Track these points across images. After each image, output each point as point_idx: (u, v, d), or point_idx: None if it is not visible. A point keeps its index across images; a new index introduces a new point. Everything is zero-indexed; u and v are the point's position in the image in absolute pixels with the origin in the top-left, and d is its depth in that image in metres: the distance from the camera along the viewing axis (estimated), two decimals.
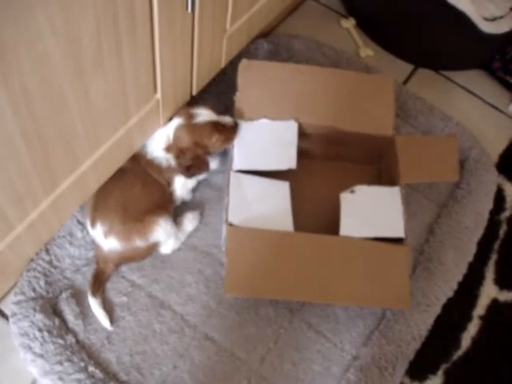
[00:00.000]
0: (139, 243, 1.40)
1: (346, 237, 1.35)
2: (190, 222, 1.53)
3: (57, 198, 1.20)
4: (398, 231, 1.39)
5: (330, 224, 1.42)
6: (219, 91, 1.71)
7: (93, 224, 1.41)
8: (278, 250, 1.34)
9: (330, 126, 1.50)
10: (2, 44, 0.82)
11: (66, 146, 1.12)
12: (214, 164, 1.55)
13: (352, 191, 1.43)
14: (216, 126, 1.40)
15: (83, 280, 1.45)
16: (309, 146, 1.56)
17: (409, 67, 1.95)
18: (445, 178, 1.51)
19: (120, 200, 1.40)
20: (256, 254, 1.33)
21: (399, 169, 1.45)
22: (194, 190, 1.58)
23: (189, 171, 1.44)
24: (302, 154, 1.47)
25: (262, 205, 1.40)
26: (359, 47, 1.97)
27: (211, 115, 1.42)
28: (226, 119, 1.43)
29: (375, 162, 1.62)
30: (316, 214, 1.50)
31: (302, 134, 1.50)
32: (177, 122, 1.41)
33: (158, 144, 1.43)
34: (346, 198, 1.42)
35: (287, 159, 1.44)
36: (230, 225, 1.34)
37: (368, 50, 1.96)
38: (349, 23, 2.00)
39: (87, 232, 1.46)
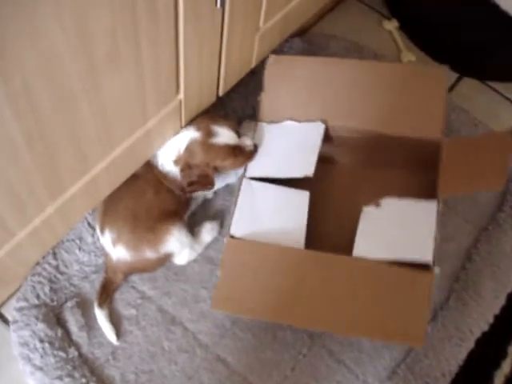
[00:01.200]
0: (150, 254, 1.30)
1: (359, 258, 1.19)
2: (208, 232, 1.42)
3: (64, 203, 1.10)
4: (425, 254, 1.18)
5: (351, 243, 1.25)
6: (248, 92, 1.60)
7: (102, 230, 1.32)
8: (279, 267, 1.21)
9: (366, 128, 1.34)
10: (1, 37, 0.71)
11: (75, 148, 1.02)
12: (218, 183, 1.43)
13: (377, 205, 1.26)
14: (233, 151, 1.30)
15: (91, 288, 1.36)
16: (338, 150, 1.42)
17: (453, 76, 1.80)
18: (489, 186, 1.27)
19: (130, 207, 1.30)
20: (254, 269, 1.22)
21: (440, 179, 1.25)
22: (214, 198, 1.48)
23: (189, 186, 1.32)
24: (329, 159, 1.34)
25: (273, 217, 1.27)
26: (401, 51, 1.83)
27: (231, 138, 1.30)
28: (246, 142, 1.33)
29: (415, 170, 1.40)
30: (337, 230, 1.34)
31: (331, 138, 1.36)
32: (192, 135, 1.29)
33: (168, 156, 1.32)
34: (368, 213, 1.26)
35: (305, 165, 1.29)
36: (232, 237, 1.23)
37: (410, 55, 1.82)
38: (391, 25, 1.86)
39: (98, 237, 1.36)
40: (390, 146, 1.35)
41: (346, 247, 1.24)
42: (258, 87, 1.56)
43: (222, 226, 1.45)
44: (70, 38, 0.82)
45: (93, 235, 1.39)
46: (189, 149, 1.28)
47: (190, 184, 1.31)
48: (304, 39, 1.75)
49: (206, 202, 1.48)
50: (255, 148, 1.33)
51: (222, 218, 1.46)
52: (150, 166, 1.33)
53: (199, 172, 1.29)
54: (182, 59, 1.11)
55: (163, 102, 1.18)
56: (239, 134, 1.31)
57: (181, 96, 1.21)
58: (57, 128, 0.93)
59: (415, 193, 1.29)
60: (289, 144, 1.32)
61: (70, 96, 0.91)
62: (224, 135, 1.29)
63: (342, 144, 1.40)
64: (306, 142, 1.31)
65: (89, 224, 1.39)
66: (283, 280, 1.21)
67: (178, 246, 1.33)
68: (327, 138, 1.34)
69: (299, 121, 1.34)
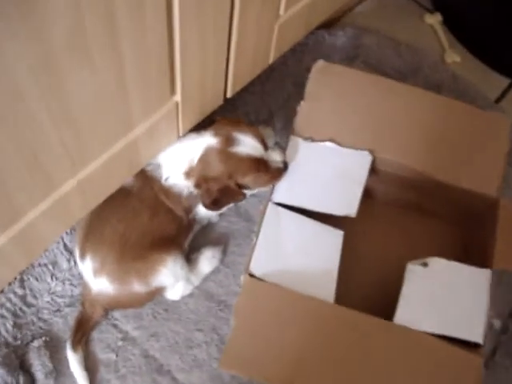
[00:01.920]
0: (137, 287, 1.09)
1: (401, 326, 1.01)
2: (207, 261, 1.20)
3: (22, 231, 0.87)
4: (476, 333, 1.01)
5: (387, 299, 1.08)
6: (264, 92, 1.38)
7: (82, 256, 1.10)
8: (304, 323, 1.01)
9: (417, 168, 1.14)
10: None
11: (31, 167, 0.79)
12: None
13: (424, 264, 1.07)
14: (257, 165, 1.06)
15: (63, 325, 1.15)
16: (380, 186, 1.23)
17: (504, 81, 1.55)
18: None
19: (119, 230, 1.08)
20: (274, 321, 1.01)
21: (496, 248, 1.08)
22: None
23: (215, 204, 1.09)
24: (368, 194, 1.14)
25: (300, 256, 1.06)
26: (445, 50, 1.59)
27: (256, 149, 1.07)
28: (275, 157, 1.09)
29: (463, 225, 1.26)
30: (369, 281, 1.19)
31: (376, 170, 1.17)
32: (209, 142, 1.06)
33: (178, 167, 1.09)
34: (413, 273, 1.06)
35: (347, 203, 1.10)
36: (251, 275, 1.02)
37: (455, 56, 1.58)
38: (434, 19, 1.64)
39: (75, 262, 1.13)
40: (438, 193, 1.19)
41: (378, 303, 1.08)
42: (277, 87, 1.36)
43: (224, 253, 1.22)
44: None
45: (69, 260, 1.17)
46: (204, 158, 1.06)
47: (215, 202, 1.08)
48: (332, 32, 1.51)
49: (207, 225, 1.24)
50: (285, 166, 1.10)
51: (225, 243, 1.24)
52: (147, 180, 1.11)
53: (219, 186, 1.06)
54: (178, 53, 0.89)
55: (154, 106, 0.95)
56: (266, 147, 1.09)
57: (177, 97, 0.98)
58: (3, 143, 0.70)
59: (460, 251, 1.22)
60: (328, 170, 1.12)
61: (16, 98, 0.67)
62: (247, 145, 1.05)
63: (387, 181, 1.21)
64: (349, 173, 1.12)
65: (65, 246, 1.17)
66: (307, 339, 1.00)
67: (172, 278, 1.11)
68: (371, 169, 1.14)
69: (342, 145, 1.14)
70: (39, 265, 1.16)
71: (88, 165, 0.90)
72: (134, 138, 0.95)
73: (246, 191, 1.11)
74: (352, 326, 1.01)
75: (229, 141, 1.05)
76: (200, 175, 1.07)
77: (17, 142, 0.73)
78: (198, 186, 1.07)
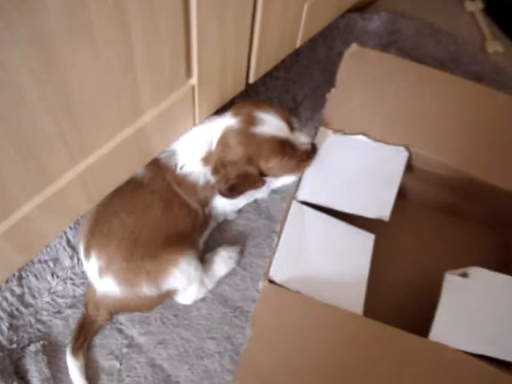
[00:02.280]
0: (147, 290, 0.99)
1: (437, 344, 0.90)
2: (223, 262, 1.10)
3: (16, 225, 0.78)
4: None
5: (420, 311, 0.97)
6: (289, 78, 1.28)
7: (86, 254, 1.00)
8: (330, 337, 0.91)
9: (456, 167, 1.03)
10: None
11: (25, 153, 0.69)
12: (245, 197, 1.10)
13: (464, 274, 0.96)
14: (283, 147, 0.96)
15: (64, 328, 1.05)
16: (415, 185, 1.12)
17: None
18: None
19: (128, 225, 0.98)
20: (296, 334, 0.91)
21: None
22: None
23: (232, 191, 0.99)
24: (400, 193, 1.03)
25: (327, 261, 0.96)
26: (486, 39, 1.47)
27: (281, 129, 0.96)
28: (301, 139, 0.99)
29: (505, 231, 1.14)
30: (400, 290, 1.09)
31: (411, 167, 1.06)
32: (229, 122, 0.96)
33: (194, 153, 0.99)
34: (452, 283, 0.95)
35: (380, 204, 0.99)
36: (270, 281, 0.92)
37: (497, 45, 1.47)
38: (475, 6, 1.53)
39: (79, 260, 1.03)
40: (478, 195, 1.08)
41: (410, 315, 1.01)
42: (302, 74, 1.25)
43: (241, 254, 1.12)
44: None
45: (72, 257, 1.07)
46: (223, 140, 0.96)
47: (233, 188, 0.99)
48: (366, 17, 1.40)
49: (224, 222, 1.13)
50: (313, 149, 0.99)
51: (243, 243, 1.13)
52: (160, 169, 1.01)
53: (238, 171, 0.97)
54: (195, 33, 0.79)
55: (166, 89, 0.84)
56: (292, 127, 0.99)
57: (193, 80, 0.88)
58: None
59: (501, 259, 1.12)
60: (359, 167, 1.02)
61: (4, 81, 0.57)
62: (271, 124, 0.95)
63: (422, 179, 1.11)
64: (382, 170, 1.02)
65: (68, 242, 1.07)
66: (331, 355, 0.90)
67: (185, 281, 1.02)
68: (406, 166, 1.04)
69: (375, 138, 1.03)
70: (39, 261, 1.06)
71: (89, 155, 0.81)
72: (143, 124, 0.85)
73: (268, 179, 1.01)
74: (382, 343, 0.91)
75: (250, 120, 0.95)
76: (218, 159, 0.96)
77: (8, 129, 0.63)
78: (215, 171, 0.97)
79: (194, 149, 0.98)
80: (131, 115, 0.82)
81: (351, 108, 1.06)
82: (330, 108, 1.06)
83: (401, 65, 1.10)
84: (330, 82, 1.07)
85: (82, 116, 0.73)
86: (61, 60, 0.62)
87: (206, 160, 0.98)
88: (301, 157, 0.98)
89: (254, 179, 0.99)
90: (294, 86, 1.27)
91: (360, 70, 1.09)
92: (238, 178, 0.97)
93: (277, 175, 1.02)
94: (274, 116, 0.95)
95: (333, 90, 1.06)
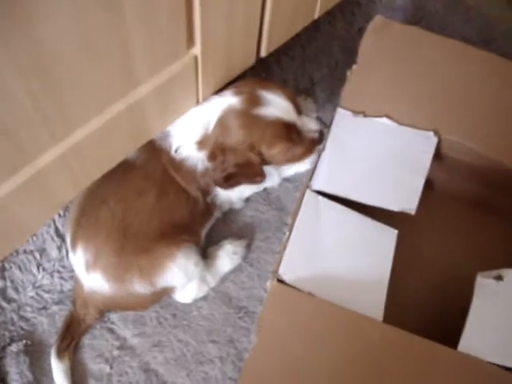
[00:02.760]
0: (140, 288, 0.89)
1: (467, 356, 0.80)
2: (227, 257, 0.99)
3: None
4: None
5: (447, 316, 0.92)
6: (305, 57, 1.17)
7: (72, 246, 0.91)
8: (345, 345, 0.82)
9: (487, 154, 0.93)
10: None
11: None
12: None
13: (498, 277, 0.86)
14: (289, 133, 0.88)
15: (49, 326, 0.96)
16: (443, 175, 1.02)
17: None
18: None
19: (118, 214, 0.88)
20: (307, 340, 0.82)
21: None
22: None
23: (227, 182, 0.90)
24: (427, 184, 0.93)
25: (343, 258, 0.87)
26: None
27: (287, 111, 0.88)
28: (309, 125, 0.91)
29: None
30: (425, 292, 1.00)
31: (440, 155, 0.96)
32: (229, 101, 0.87)
33: (189, 135, 0.89)
34: (484, 287, 0.85)
35: (405, 196, 0.89)
36: (279, 281, 0.83)
37: None
38: None
39: (68, 251, 0.93)
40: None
41: (436, 321, 0.95)
42: (322, 51, 1.15)
43: (248, 248, 1.02)
44: None
45: (60, 248, 0.98)
46: (222, 122, 0.87)
47: (228, 178, 0.89)
48: None
49: (229, 212, 1.02)
50: (321, 135, 0.92)
51: (250, 236, 1.03)
52: (154, 150, 0.91)
53: (237, 159, 0.88)
54: None
55: (164, 58, 0.74)
56: (300, 110, 0.92)
57: (196, 50, 0.77)
58: None
59: None
60: (382, 154, 0.92)
61: None
62: (277, 106, 0.87)
63: (451, 169, 1.00)
64: (408, 158, 0.92)
65: (57, 231, 0.98)
66: (345, 365, 0.81)
67: (183, 278, 0.92)
68: (435, 154, 0.94)
69: (401, 122, 0.93)
70: (24, 251, 0.96)
71: (73, 132, 0.71)
72: (137, 99, 0.75)
73: (270, 168, 0.94)
74: (404, 353, 0.81)
75: (253, 100, 0.86)
76: (216, 144, 0.87)
77: None
78: (212, 157, 0.88)
79: (189, 130, 0.88)
80: (122, 87, 0.71)
81: (374, 87, 0.96)
82: (350, 87, 0.96)
83: (431, 39, 1.00)
84: (350, 60, 0.97)
85: (62, 84, 0.62)
86: (32, 9, 0.51)
87: (201, 144, 0.88)
88: (307, 145, 0.90)
89: (255, 171, 0.90)
90: (310, 65, 1.16)
91: (384, 45, 0.99)
92: (236, 167, 0.88)
93: (279, 164, 0.94)
94: (280, 96, 0.87)
95: (354, 67, 0.96)
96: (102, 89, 0.68)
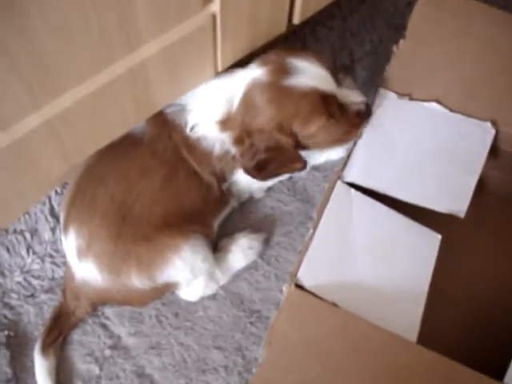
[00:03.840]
0: (137, 282, 0.79)
1: None
2: (242, 252, 0.88)
3: None
4: None
5: (493, 339, 0.84)
6: (346, 29, 1.05)
7: (64, 229, 0.81)
8: (370, 366, 0.71)
9: None
10: None
11: None
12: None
13: None
14: (327, 104, 0.75)
15: (36, 317, 0.86)
16: (494, 173, 0.90)
17: None
18: None
19: (117, 197, 0.78)
20: (326, 357, 0.71)
21: None
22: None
23: (260, 171, 0.78)
24: (478, 183, 0.82)
25: (375, 263, 0.76)
26: None
27: (325, 80, 0.76)
28: (352, 96, 0.79)
29: None
30: (469, 310, 0.89)
31: (496, 150, 0.85)
32: (254, 74, 0.75)
33: (210, 112, 0.77)
34: None
35: (454, 195, 0.78)
36: (298, 286, 0.72)
37: None
38: None
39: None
40: None
41: (479, 344, 0.84)
42: (365, 25, 1.08)
43: (267, 243, 0.90)
44: None
45: (54, 229, 0.88)
46: (247, 99, 0.76)
47: (260, 167, 0.78)
48: None
49: (247, 202, 0.93)
50: (368, 109, 0.79)
51: (269, 230, 0.92)
52: (165, 126, 0.80)
53: (267, 142, 0.76)
54: None
55: (174, 14, 0.62)
56: (338, 81, 0.80)
57: (214, 7, 0.65)
58: None
59: None
60: (429, 144, 0.81)
61: None
62: (310, 73, 0.75)
63: (508, 167, 0.90)
64: (460, 151, 0.82)
65: (51, 210, 0.88)
66: None
67: (188, 273, 0.81)
68: (490, 149, 0.84)
69: (453, 109, 0.83)
70: (14, 231, 0.86)
71: (60, 95, 0.59)
72: (139, 61, 0.63)
73: (307, 153, 0.81)
74: (441, 382, 0.71)
75: (281, 70, 0.74)
76: (242, 125, 0.75)
77: None
78: (238, 141, 0.77)
79: (209, 106, 0.77)
80: (121, 45, 0.60)
81: (424, 67, 0.86)
82: (395, 65, 0.85)
83: (492, 15, 0.90)
84: (396, 37, 0.86)
85: (41, 37, 0.50)
86: None
87: (223, 124, 0.77)
88: (352, 120, 0.77)
89: (291, 156, 0.78)
90: (351, 39, 1.04)
91: (437, 20, 0.89)
92: (267, 152, 0.76)
93: (319, 146, 0.81)
94: (312, 62, 0.75)
95: (401, 42, 0.86)
96: (96, 45, 0.57)
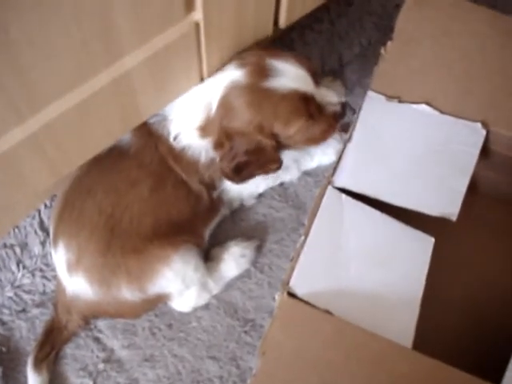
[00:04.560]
0: (128, 294, 0.78)
1: None
2: (234, 261, 0.87)
3: None
4: None
5: (489, 342, 0.83)
6: (334, 33, 1.04)
7: (54, 242, 0.80)
8: (365, 374, 0.70)
9: None
10: None
11: None
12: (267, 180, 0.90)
13: None
14: (307, 105, 0.76)
15: (28, 332, 0.86)
16: (486, 174, 0.89)
17: None
18: None
19: (105, 209, 0.77)
20: (320, 366, 0.70)
21: None
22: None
23: (238, 173, 0.78)
24: (469, 184, 0.81)
25: (368, 269, 0.75)
26: None
27: (305, 81, 0.76)
28: (329, 97, 0.79)
29: None
30: (464, 313, 0.88)
31: (487, 151, 0.85)
32: (232, 76, 0.74)
33: (189, 120, 0.77)
34: None
35: (445, 198, 0.77)
36: (290, 294, 0.71)
37: None
38: None
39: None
40: None
41: (475, 348, 0.84)
42: (352, 28, 1.06)
43: (259, 251, 0.90)
44: None
45: (44, 243, 0.87)
46: (225, 102, 0.75)
47: (239, 169, 0.78)
48: None
49: (238, 209, 0.92)
50: (343, 110, 0.81)
51: (261, 238, 0.91)
52: (151, 137, 0.79)
53: (247, 145, 0.76)
54: None
55: (155, 24, 0.60)
56: (317, 81, 0.80)
57: (197, 15, 0.64)
58: None
59: None
60: (419, 147, 0.81)
61: None
62: (289, 74, 0.75)
63: (500, 167, 0.89)
64: (450, 153, 0.80)
65: (41, 224, 0.88)
66: None
67: (179, 284, 0.80)
68: (481, 150, 0.83)
69: (443, 111, 0.82)
70: (4, 246, 0.86)
71: (44, 108, 0.58)
72: (123, 72, 0.63)
73: (288, 160, 0.84)
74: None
75: (261, 71, 0.73)
76: (221, 129, 0.74)
77: None
78: (217, 145, 0.76)
79: (188, 114, 0.76)
80: (104, 55, 0.59)
81: (412, 68, 0.84)
82: (384, 67, 0.83)
83: (482, 15, 0.88)
84: (385, 39, 0.86)
85: (24, 48, 0.50)
86: None
87: (203, 130, 0.76)
88: (329, 121, 0.78)
89: (268, 157, 0.78)
90: (340, 42, 1.03)
91: (426, 20, 0.87)
92: (247, 155, 0.76)
93: (296, 146, 0.81)
94: (292, 64, 0.74)
95: (389, 44, 0.85)
96: (79, 55, 0.56)
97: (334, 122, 0.80)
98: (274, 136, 0.76)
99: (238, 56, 0.75)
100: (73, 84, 0.59)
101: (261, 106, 0.73)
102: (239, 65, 0.74)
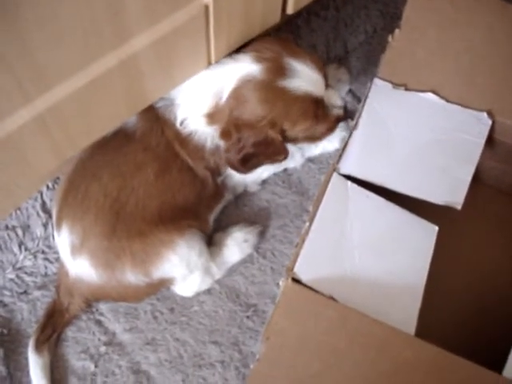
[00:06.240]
0: (132, 278, 0.78)
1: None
2: (237, 246, 0.87)
3: None
4: None
5: (492, 330, 0.84)
6: (340, 20, 1.03)
7: (57, 225, 0.80)
8: (369, 360, 0.70)
9: None
10: None
11: None
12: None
13: None
14: (316, 108, 0.78)
15: (29, 314, 0.85)
16: (491, 164, 0.90)
17: None
18: None
19: (110, 192, 0.77)
20: (324, 352, 0.70)
21: None
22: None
23: (244, 164, 0.78)
24: (474, 174, 0.81)
25: (372, 257, 0.75)
26: None
27: (318, 85, 0.78)
28: (333, 99, 0.83)
29: None
30: (467, 302, 0.88)
31: (492, 141, 0.85)
32: (249, 69, 0.74)
33: (197, 105, 0.76)
34: None
35: (450, 187, 0.78)
36: (294, 280, 0.71)
37: None
38: None
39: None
40: None
41: (478, 336, 0.85)
42: (358, 16, 1.04)
43: (262, 237, 0.90)
44: None
45: (46, 225, 0.87)
46: (238, 93, 0.75)
47: (246, 160, 0.79)
48: None
49: (242, 195, 0.92)
50: (344, 113, 0.85)
51: (264, 223, 0.91)
52: (157, 121, 0.79)
53: (256, 138, 0.77)
54: None
55: (164, 6, 0.59)
56: (327, 83, 0.83)
57: None
58: None
59: None
60: (425, 136, 0.80)
61: None
62: (305, 77, 0.76)
63: (505, 158, 0.89)
64: (456, 142, 0.80)
65: (43, 206, 0.87)
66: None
67: (183, 269, 0.81)
68: (487, 140, 0.83)
69: (449, 100, 0.82)
70: (6, 227, 0.86)
71: (50, 89, 0.57)
72: (131, 54, 0.62)
73: (292, 146, 0.84)
74: (440, 376, 0.70)
75: (278, 70, 0.74)
76: (230, 118, 0.75)
77: None
78: (225, 134, 0.76)
79: (197, 100, 0.76)
80: (112, 37, 0.58)
81: (419, 56, 0.84)
82: (390, 54, 0.83)
83: (489, 5, 0.88)
84: (391, 27, 0.86)
85: (32, 28, 0.49)
86: None
87: (211, 117, 0.77)
88: (330, 123, 0.83)
89: (277, 149, 0.79)
90: (345, 29, 1.03)
91: (433, 9, 0.87)
92: (254, 147, 0.77)
93: (299, 143, 0.85)
94: (309, 66, 0.77)
95: (396, 32, 0.84)
96: (86, 36, 0.55)
97: (335, 125, 0.83)
98: (282, 131, 0.77)
99: (253, 48, 0.75)
100: (80, 65, 0.58)
101: (275, 104, 0.75)
102: (256, 58, 0.74)
